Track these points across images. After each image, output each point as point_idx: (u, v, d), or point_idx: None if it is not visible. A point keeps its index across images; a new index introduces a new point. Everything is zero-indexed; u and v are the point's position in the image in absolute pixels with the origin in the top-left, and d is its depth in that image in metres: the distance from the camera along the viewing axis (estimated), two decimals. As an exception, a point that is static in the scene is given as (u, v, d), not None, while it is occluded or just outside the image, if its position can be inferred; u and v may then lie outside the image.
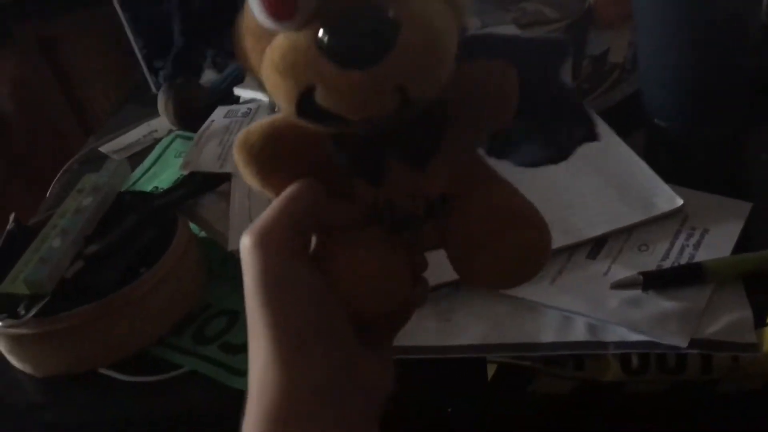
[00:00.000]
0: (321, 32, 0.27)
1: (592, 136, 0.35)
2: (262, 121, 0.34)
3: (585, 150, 0.67)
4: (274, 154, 0.33)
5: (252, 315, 0.31)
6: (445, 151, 0.33)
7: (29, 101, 1.54)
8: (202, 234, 0.69)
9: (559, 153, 0.36)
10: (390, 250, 0.33)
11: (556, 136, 0.35)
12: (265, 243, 0.31)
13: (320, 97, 0.27)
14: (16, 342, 0.58)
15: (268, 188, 0.34)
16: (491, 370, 0.50)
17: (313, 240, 0.34)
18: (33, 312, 0.56)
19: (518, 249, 0.33)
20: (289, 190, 0.33)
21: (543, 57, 0.33)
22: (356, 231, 0.33)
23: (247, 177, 0.34)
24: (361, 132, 0.31)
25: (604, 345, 0.49)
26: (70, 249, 0.61)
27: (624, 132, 0.66)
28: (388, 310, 0.34)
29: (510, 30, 0.35)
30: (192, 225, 0.68)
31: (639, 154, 0.64)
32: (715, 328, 0.49)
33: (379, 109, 0.28)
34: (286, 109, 0.29)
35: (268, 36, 0.29)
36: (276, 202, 0.33)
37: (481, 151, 0.35)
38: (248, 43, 0.30)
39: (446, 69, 0.28)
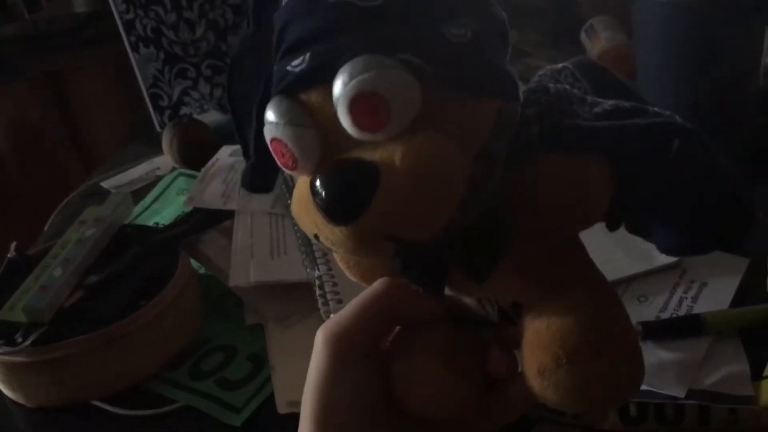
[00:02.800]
0: (313, 187, 0.27)
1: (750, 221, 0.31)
2: None
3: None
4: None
5: (304, 401, 0.33)
6: (514, 259, 0.31)
7: (32, 135, 1.55)
8: (203, 270, 0.69)
9: (717, 243, 0.33)
10: (456, 354, 0.32)
11: (704, 226, 0.32)
12: (334, 343, 0.33)
13: (325, 243, 0.28)
14: (11, 370, 0.57)
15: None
16: (490, 414, 0.50)
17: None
18: (30, 340, 0.56)
19: (580, 382, 0.29)
20: (374, 286, 0.34)
21: (656, 144, 0.30)
22: (427, 329, 0.33)
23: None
24: (420, 248, 0.29)
25: (602, 393, 0.49)
26: (70, 279, 0.61)
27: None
28: (452, 416, 0.32)
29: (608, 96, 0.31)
30: (193, 261, 0.68)
31: (638, 207, 0.65)
32: (713, 379, 0.49)
33: (374, 254, 0.28)
34: None
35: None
36: (357, 300, 0.34)
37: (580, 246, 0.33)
38: None
39: (445, 209, 0.27)
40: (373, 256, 0.29)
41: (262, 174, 0.34)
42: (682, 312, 0.55)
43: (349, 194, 0.26)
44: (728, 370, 0.50)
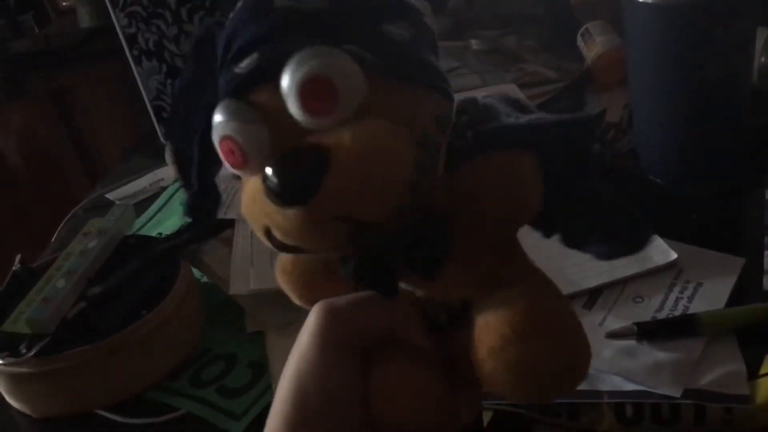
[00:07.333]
0: (265, 174, 0.27)
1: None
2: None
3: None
4: (309, 276, 0.36)
5: (281, 383, 0.33)
6: (460, 256, 0.30)
7: (38, 151, 1.57)
8: (204, 279, 0.70)
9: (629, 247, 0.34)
10: (425, 366, 0.32)
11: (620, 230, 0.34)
12: (328, 318, 0.32)
13: (276, 235, 0.28)
14: (16, 381, 0.58)
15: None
16: (487, 416, 0.50)
17: None
18: (34, 351, 0.57)
19: (530, 359, 0.29)
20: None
21: (570, 139, 0.31)
22: (393, 344, 0.33)
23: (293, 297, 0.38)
24: (363, 250, 0.30)
25: (598, 394, 0.50)
26: (73, 290, 0.62)
27: (620, 188, 0.68)
28: (430, 423, 0.32)
29: (529, 113, 0.32)
30: (194, 270, 0.69)
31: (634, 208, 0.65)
32: (708, 379, 0.49)
33: (327, 240, 0.28)
34: None
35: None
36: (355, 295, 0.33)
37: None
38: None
39: (397, 188, 0.27)
40: (327, 245, 0.28)
41: (204, 204, 0.34)
42: (678, 312, 0.55)
43: (301, 173, 0.26)
44: (724, 369, 0.50)
